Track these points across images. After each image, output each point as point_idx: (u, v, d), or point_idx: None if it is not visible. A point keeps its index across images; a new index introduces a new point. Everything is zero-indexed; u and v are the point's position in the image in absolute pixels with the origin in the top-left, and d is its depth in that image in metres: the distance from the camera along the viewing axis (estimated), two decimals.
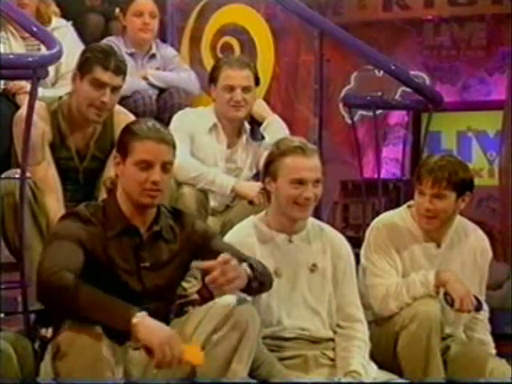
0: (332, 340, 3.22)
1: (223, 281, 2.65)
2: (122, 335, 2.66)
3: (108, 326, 2.63)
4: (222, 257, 2.68)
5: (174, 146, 2.88)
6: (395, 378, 3.21)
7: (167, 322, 2.83)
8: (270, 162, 3.17)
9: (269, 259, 3.13)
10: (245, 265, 2.77)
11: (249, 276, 2.76)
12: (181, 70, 4.60)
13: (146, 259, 2.87)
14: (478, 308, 3.37)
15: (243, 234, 3.17)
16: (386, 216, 3.56)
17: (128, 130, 2.89)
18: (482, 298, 3.58)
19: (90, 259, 2.75)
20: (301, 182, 3.09)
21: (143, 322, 2.57)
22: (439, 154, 3.52)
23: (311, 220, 3.27)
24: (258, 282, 2.84)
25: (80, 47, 4.13)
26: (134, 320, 2.57)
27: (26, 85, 3.70)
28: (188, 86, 4.51)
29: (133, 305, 2.65)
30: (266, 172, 3.18)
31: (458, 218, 3.53)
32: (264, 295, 3.04)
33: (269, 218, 3.21)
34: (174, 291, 3.04)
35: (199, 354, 2.62)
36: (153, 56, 4.58)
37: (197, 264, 2.86)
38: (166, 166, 2.84)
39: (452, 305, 3.31)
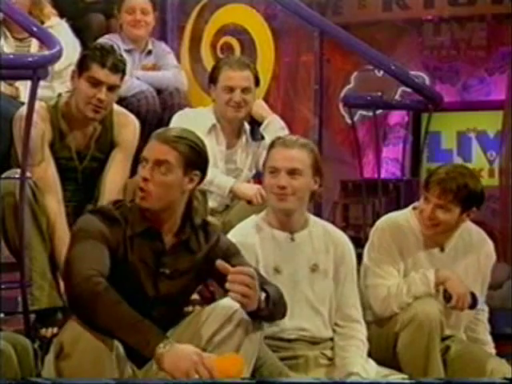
0: (332, 339, 3.22)
1: (238, 288, 2.61)
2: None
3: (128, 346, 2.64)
4: (248, 270, 2.66)
5: (178, 150, 2.79)
6: (395, 373, 3.20)
7: (175, 325, 2.84)
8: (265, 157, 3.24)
9: (270, 257, 3.14)
10: (262, 293, 2.70)
11: (260, 305, 2.68)
12: (168, 67, 4.60)
13: (167, 266, 2.84)
14: (472, 306, 3.39)
15: (244, 235, 3.17)
16: (390, 217, 3.54)
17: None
18: (483, 300, 3.59)
19: (111, 258, 2.74)
20: (275, 170, 3.11)
21: (168, 353, 2.52)
22: (452, 164, 3.50)
23: (314, 219, 3.27)
24: (268, 313, 2.76)
25: (75, 44, 4.15)
26: (159, 351, 2.54)
27: None
28: (173, 84, 4.50)
29: (143, 309, 2.64)
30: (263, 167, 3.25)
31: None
32: None
33: (269, 215, 3.22)
34: (187, 299, 3.04)
35: (236, 363, 2.58)
36: (149, 53, 4.61)
37: (220, 262, 2.73)
38: (161, 166, 2.78)
39: (448, 301, 3.33)
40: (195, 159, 2.85)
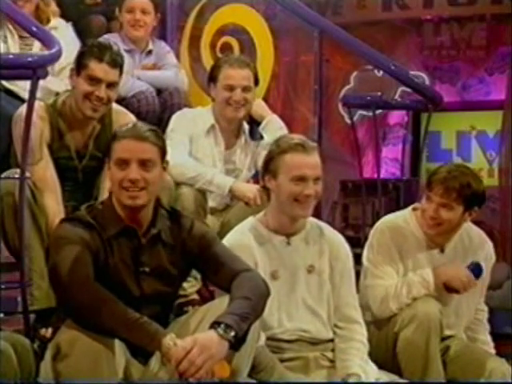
0: (332, 341, 3.21)
1: (194, 370, 2.55)
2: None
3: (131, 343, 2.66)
4: (183, 349, 2.57)
5: (157, 145, 2.84)
6: (395, 379, 3.21)
7: (167, 324, 2.84)
8: (270, 159, 3.15)
9: (266, 262, 3.13)
10: (220, 329, 2.59)
11: (228, 340, 2.60)
12: (168, 67, 4.61)
13: (146, 264, 2.85)
14: (477, 274, 3.42)
15: (241, 237, 3.15)
16: (390, 218, 3.54)
17: (113, 133, 2.92)
18: (483, 300, 3.59)
19: (93, 262, 2.75)
20: (302, 179, 3.07)
21: (175, 347, 2.58)
22: (453, 164, 3.51)
23: (311, 220, 3.26)
24: (247, 327, 2.67)
25: (77, 46, 4.15)
26: (165, 344, 2.59)
27: None
28: (174, 84, 4.51)
29: (132, 309, 2.66)
30: (266, 169, 3.16)
31: (464, 224, 3.48)
32: None
33: (268, 218, 3.20)
34: (174, 295, 3.03)
35: (226, 367, 2.62)
36: (149, 52, 4.61)
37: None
38: (147, 164, 2.80)
39: (451, 291, 3.38)
40: (165, 148, 2.90)
